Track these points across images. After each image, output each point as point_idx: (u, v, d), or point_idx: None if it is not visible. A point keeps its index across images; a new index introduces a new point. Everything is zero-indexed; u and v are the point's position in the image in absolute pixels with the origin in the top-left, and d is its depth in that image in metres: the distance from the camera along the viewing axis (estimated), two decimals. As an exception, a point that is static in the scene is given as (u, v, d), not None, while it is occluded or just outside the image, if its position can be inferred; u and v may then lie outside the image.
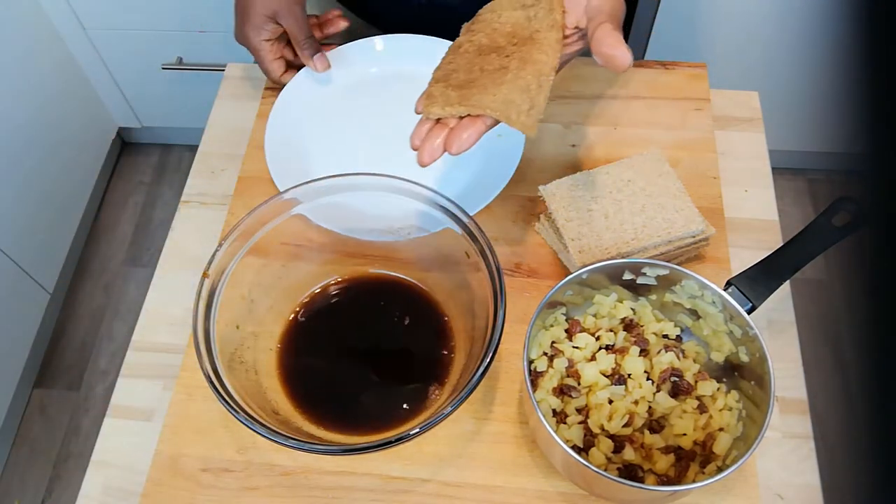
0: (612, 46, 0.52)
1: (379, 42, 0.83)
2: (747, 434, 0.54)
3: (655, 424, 0.58)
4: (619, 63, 0.52)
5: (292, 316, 0.66)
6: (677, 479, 0.55)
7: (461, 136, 0.53)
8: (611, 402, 0.57)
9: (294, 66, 0.81)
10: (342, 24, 0.82)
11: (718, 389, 0.58)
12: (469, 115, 0.54)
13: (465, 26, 0.63)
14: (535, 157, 0.77)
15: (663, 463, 0.55)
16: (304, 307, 0.67)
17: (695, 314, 0.60)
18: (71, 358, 1.63)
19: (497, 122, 0.54)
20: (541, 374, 0.58)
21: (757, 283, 0.59)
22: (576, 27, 0.57)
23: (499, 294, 0.55)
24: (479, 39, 0.60)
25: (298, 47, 0.77)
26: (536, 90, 0.54)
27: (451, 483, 0.60)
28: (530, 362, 0.59)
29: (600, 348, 0.60)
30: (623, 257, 0.62)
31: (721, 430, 0.56)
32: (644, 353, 0.60)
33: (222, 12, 1.46)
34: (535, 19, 0.58)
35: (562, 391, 0.58)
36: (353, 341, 0.67)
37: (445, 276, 0.65)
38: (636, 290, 0.61)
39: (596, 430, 0.56)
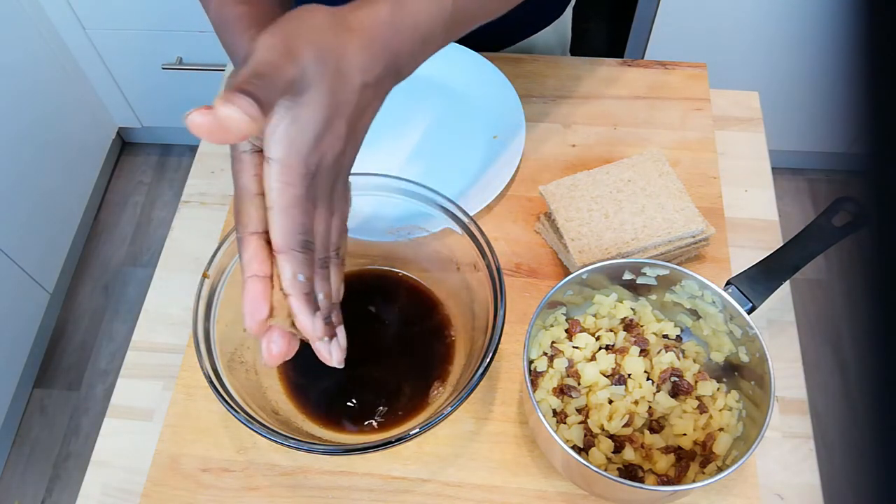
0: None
1: None
2: (747, 434, 0.54)
3: (655, 424, 0.58)
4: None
5: (292, 316, 0.66)
6: (677, 479, 0.55)
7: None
8: (611, 402, 0.57)
9: None
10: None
11: (718, 389, 0.58)
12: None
13: None
14: (535, 157, 0.77)
15: (663, 463, 0.55)
16: (304, 307, 0.66)
17: (695, 314, 0.60)
18: (71, 358, 1.63)
19: None
20: (541, 374, 0.58)
21: (757, 283, 0.59)
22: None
23: (499, 294, 0.55)
24: None
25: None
26: None
27: (451, 483, 0.60)
28: (530, 362, 0.59)
29: (600, 348, 0.60)
30: (623, 257, 0.62)
31: (721, 430, 0.56)
32: (644, 353, 0.60)
33: (222, 12, 1.46)
34: None
35: (562, 391, 0.58)
36: (352, 341, 0.66)
37: (445, 275, 0.65)
38: (636, 290, 0.61)
39: (596, 430, 0.56)
